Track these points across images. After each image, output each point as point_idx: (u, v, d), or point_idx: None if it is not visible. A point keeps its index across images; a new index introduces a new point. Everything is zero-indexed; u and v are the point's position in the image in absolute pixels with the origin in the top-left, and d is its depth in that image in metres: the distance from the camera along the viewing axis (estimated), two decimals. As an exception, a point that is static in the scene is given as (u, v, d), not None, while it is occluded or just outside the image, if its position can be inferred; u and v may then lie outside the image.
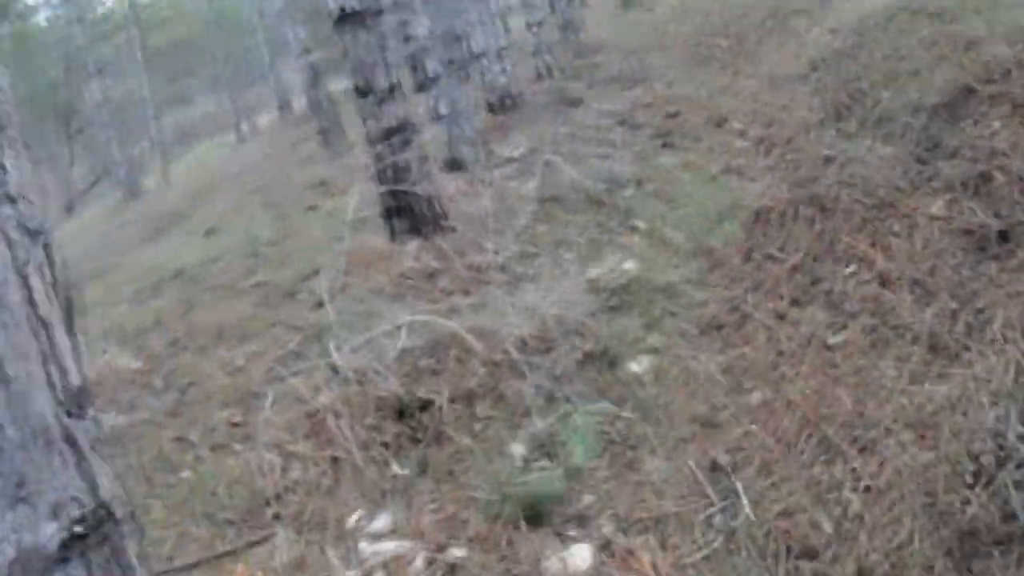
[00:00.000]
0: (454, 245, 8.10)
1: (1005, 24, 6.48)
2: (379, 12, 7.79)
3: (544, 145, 10.54)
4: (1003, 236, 4.74)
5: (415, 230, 8.23)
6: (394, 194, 8.16)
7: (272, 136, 27.30)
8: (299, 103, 26.77)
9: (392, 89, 7.89)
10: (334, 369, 6.07)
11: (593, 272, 6.62)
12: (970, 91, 5.82)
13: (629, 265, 6.72)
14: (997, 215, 4.87)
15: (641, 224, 7.65)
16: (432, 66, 10.40)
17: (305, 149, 17.57)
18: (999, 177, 5.01)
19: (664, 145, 10.09)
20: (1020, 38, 6.12)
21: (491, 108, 13.56)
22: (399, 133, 8.00)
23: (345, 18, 7.71)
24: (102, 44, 32.48)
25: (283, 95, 30.01)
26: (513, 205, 8.81)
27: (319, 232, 10.23)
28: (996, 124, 5.37)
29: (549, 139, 10.70)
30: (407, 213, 8.20)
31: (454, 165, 10.62)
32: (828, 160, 6.54)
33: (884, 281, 4.87)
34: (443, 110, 10.48)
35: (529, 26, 16.06)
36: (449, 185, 10.10)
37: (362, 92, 7.92)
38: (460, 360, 5.88)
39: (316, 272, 8.36)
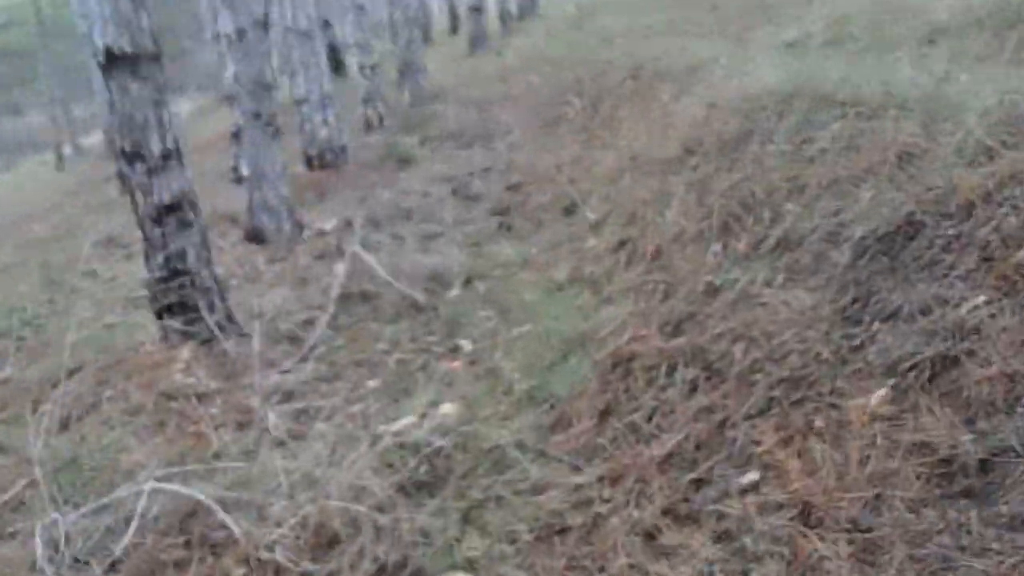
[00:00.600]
0: (236, 354, 6.54)
1: (950, 129, 4.88)
2: (155, 57, 6.18)
3: (361, 217, 9.04)
4: (983, 466, 3.28)
5: (191, 332, 6.64)
6: (166, 286, 6.55)
7: (85, 167, 25.00)
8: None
9: (167, 156, 6.28)
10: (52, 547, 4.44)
11: (400, 422, 5.10)
12: (915, 225, 4.28)
13: (447, 409, 5.26)
14: (971, 425, 3.37)
15: (466, 345, 6.22)
16: (235, 118, 8.80)
17: (106, 191, 15.60)
18: (970, 365, 3.50)
19: (501, 226, 8.69)
20: (979, 154, 4.52)
21: (309, 163, 12.01)
22: (174, 212, 6.38)
23: (113, 62, 6.08)
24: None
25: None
26: (313, 299, 7.29)
27: (90, 310, 8.53)
28: (959, 283, 3.82)
29: (368, 210, 9.20)
30: (181, 310, 6.59)
31: (254, 237, 9.03)
32: (712, 291, 5.15)
33: (804, 514, 3.38)
34: (245, 170, 8.88)
35: (361, 68, 14.55)
36: (241, 266, 8.56)
37: (129, 158, 6.28)
38: (214, 552, 4.32)
39: (72, 373, 6.76)
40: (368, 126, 14.46)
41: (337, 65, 20.59)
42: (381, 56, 18.29)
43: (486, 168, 11.00)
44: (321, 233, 9.16)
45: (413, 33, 16.52)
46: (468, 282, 7.27)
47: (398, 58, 16.57)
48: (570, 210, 8.24)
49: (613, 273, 6.30)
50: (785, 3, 13.45)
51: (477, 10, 21.91)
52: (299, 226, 9.18)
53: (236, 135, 8.82)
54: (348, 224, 9.03)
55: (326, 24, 21.27)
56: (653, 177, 7.45)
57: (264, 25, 8.57)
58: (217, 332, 6.54)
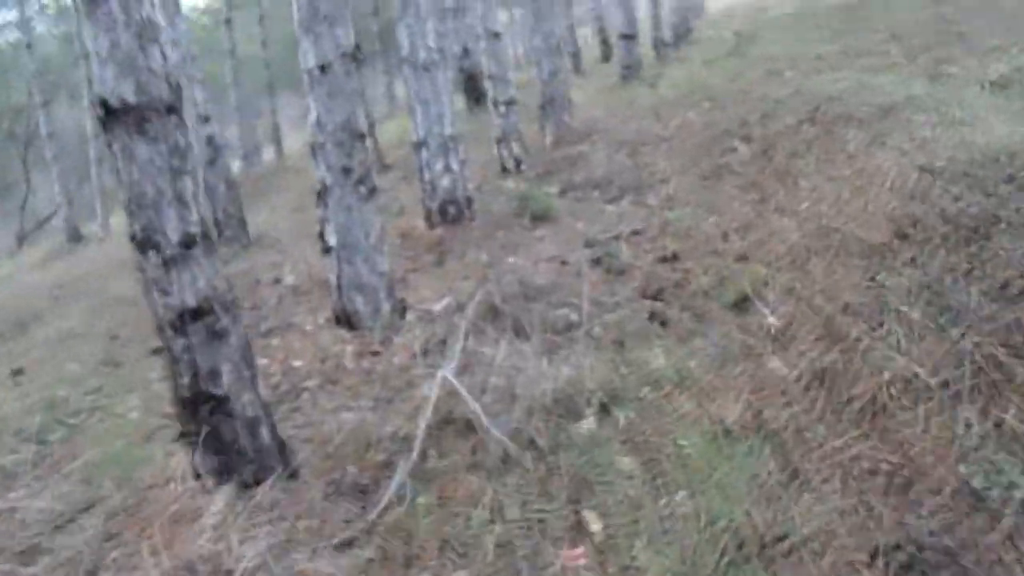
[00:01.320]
0: (291, 506, 4.81)
1: None
2: (171, 109, 4.48)
3: (479, 298, 7.21)
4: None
5: (228, 470, 4.92)
6: (195, 412, 4.83)
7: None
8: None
9: (190, 242, 4.57)
10: None
11: None
12: None
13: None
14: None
15: (594, 522, 4.31)
16: (320, 175, 7.09)
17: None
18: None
19: (652, 317, 6.74)
20: None
21: (429, 218, 10.23)
22: (201, 318, 4.68)
23: (114, 117, 4.39)
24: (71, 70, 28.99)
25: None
26: (399, 424, 5.51)
27: (139, 409, 6.95)
28: None
29: (489, 285, 7.35)
30: (215, 444, 4.88)
31: (344, 320, 7.29)
32: (971, 497, 3.18)
33: None
34: (331, 239, 7.15)
35: (496, 104, 12.73)
36: (322, 360, 6.85)
37: (140, 245, 4.58)
38: None
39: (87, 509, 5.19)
40: (503, 170, 12.65)
41: (479, 97, 18.88)
42: (523, 89, 16.58)
43: (636, 231, 9.04)
44: (428, 316, 7.36)
45: (557, 64, 14.60)
46: (605, 410, 5.34)
47: (540, 92, 14.69)
48: (741, 304, 6.22)
49: (807, 428, 4.27)
50: (979, 30, 11.25)
51: (629, 37, 19.96)
52: (401, 307, 7.40)
53: (321, 195, 7.09)
54: (461, 307, 7.22)
55: (465, 52, 19.69)
56: (853, 268, 5.43)
57: (354, 57, 6.81)
58: (263, 469, 4.84)
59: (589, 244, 8.90)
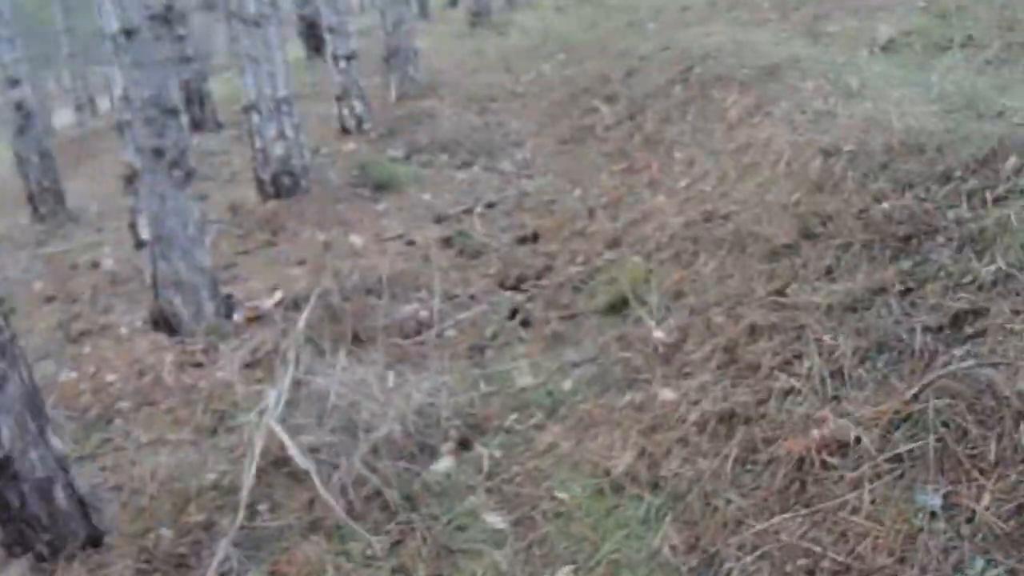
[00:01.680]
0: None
1: None
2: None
3: (315, 287, 6.30)
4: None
5: (21, 542, 3.97)
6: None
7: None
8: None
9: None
10: None
11: None
12: None
13: None
14: None
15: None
16: (129, 158, 6.04)
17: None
18: None
19: (514, 315, 5.95)
20: None
21: (262, 189, 9.20)
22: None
23: None
24: None
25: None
26: (225, 466, 4.62)
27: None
28: None
29: (321, 283, 6.42)
30: (1, 514, 3.93)
31: (160, 323, 6.30)
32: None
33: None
34: (144, 232, 6.13)
35: (336, 59, 11.66)
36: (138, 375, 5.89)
37: None
38: None
39: None
40: (344, 130, 11.63)
41: (319, 46, 17.58)
42: (366, 37, 15.51)
43: (490, 203, 8.22)
44: (258, 315, 6.42)
45: (402, 12, 13.54)
46: (464, 445, 4.55)
47: (384, 43, 13.61)
48: (619, 307, 5.45)
49: (718, 492, 3.49)
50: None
51: (478, -19, 19.05)
52: (227, 306, 6.44)
53: (130, 181, 6.06)
54: (296, 302, 6.29)
55: (305, -1, 18.44)
56: (753, 272, 4.71)
57: (166, 19, 5.78)
58: (61, 538, 3.92)
59: (438, 220, 8.08)
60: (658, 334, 4.78)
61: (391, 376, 5.31)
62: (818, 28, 8.55)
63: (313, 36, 18.07)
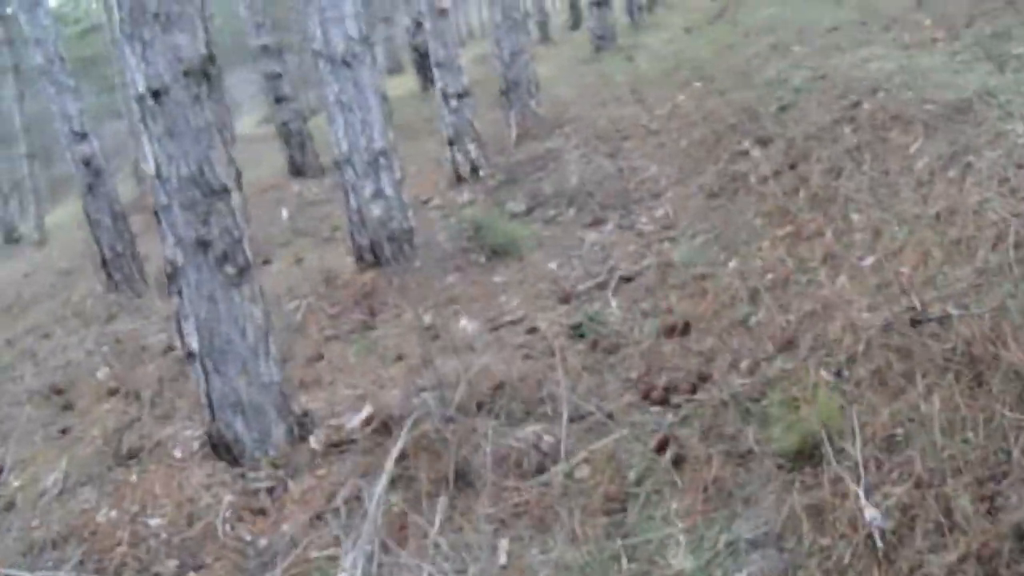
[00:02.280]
0: None
1: None
2: None
3: (412, 402, 5.02)
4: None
5: None
6: None
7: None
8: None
9: None
10: None
11: None
12: None
13: None
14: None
15: None
16: (169, 252, 4.82)
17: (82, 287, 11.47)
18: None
19: (663, 449, 4.54)
20: None
21: (360, 257, 7.95)
22: None
23: None
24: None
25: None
26: None
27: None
28: None
29: (419, 396, 5.14)
30: None
31: (221, 451, 5.07)
32: None
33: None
34: (193, 342, 4.89)
35: (446, 97, 10.39)
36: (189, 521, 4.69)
37: None
38: None
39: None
40: (457, 178, 10.34)
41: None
42: (479, 65, 14.26)
43: (628, 275, 6.81)
44: (339, 438, 5.14)
45: (520, 42, 12.20)
46: None
47: (501, 75, 12.30)
48: (806, 450, 3.98)
49: None
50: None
51: (601, 3, 17.66)
52: (302, 425, 5.16)
53: (172, 279, 4.83)
54: (386, 427, 5.00)
55: (417, 27, 17.30)
56: (994, 414, 3.23)
57: (204, 74, 4.53)
58: None
59: (565, 298, 6.68)
60: (871, 513, 3.31)
61: (503, 547, 3.99)
62: (1000, 49, 6.97)
63: (426, 67, 16.94)
